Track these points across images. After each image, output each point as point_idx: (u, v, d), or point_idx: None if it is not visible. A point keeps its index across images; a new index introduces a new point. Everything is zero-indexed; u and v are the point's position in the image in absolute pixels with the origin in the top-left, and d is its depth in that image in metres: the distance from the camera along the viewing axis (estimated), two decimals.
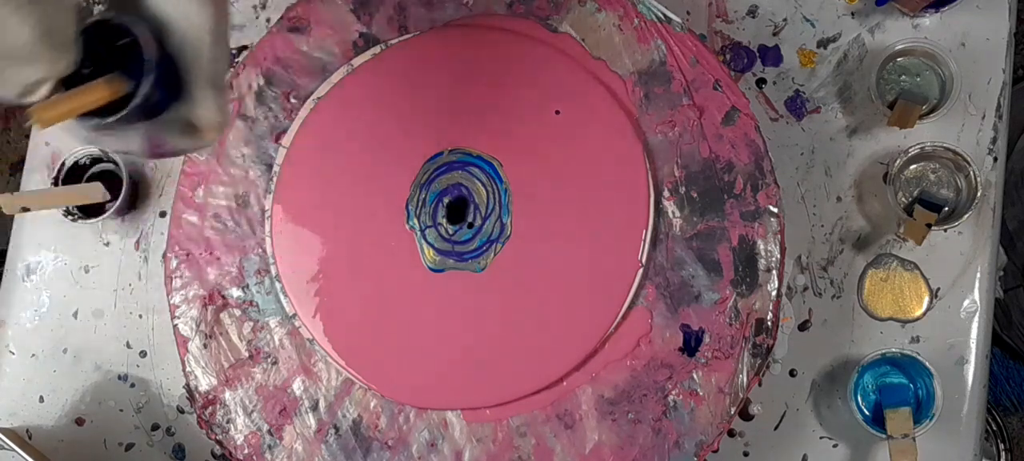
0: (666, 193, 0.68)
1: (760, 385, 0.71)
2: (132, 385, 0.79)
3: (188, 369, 0.71)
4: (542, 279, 0.67)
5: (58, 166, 0.79)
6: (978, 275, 0.71)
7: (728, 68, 0.75)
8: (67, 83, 0.45)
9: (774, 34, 0.76)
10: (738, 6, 0.76)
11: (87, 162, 0.80)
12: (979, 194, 0.69)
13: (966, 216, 0.69)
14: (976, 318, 0.71)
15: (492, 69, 0.71)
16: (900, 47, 0.71)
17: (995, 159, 0.72)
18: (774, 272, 0.66)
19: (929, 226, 0.68)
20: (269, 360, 0.70)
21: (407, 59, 0.73)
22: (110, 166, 0.80)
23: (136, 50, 0.46)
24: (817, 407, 0.71)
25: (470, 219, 0.68)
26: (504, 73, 0.71)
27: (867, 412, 0.69)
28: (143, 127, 0.47)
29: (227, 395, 0.70)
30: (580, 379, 0.66)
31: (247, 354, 0.71)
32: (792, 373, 0.72)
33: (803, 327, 0.72)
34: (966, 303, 0.71)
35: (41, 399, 0.80)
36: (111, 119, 0.46)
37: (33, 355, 0.80)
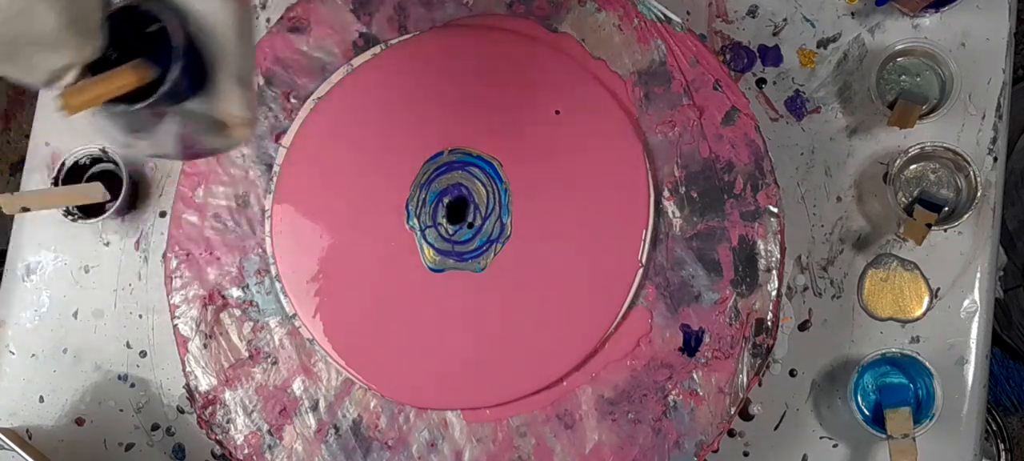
0: (666, 193, 0.68)
1: (760, 385, 0.71)
2: (132, 385, 0.79)
3: (188, 369, 0.71)
4: (542, 279, 0.67)
5: (58, 166, 0.79)
6: (978, 275, 0.71)
7: (728, 68, 0.75)
8: (94, 69, 0.45)
9: (774, 34, 0.76)
10: (738, 6, 0.76)
11: (87, 162, 0.80)
12: (979, 194, 0.69)
13: (966, 216, 0.69)
14: (976, 318, 0.71)
15: (492, 69, 0.71)
16: (900, 47, 0.71)
17: (995, 159, 0.72)
18: (774, 272, 0.66)
19: (929, 226, 0.68)
20: (269, 360, 0.70)
21: (407, 59, 0.73)
22: (110, 166, 0.80)
23: (163, 37, 0.46)
24: (817, 407, 0.71)
25: (470, 219, 0.68)
26: (504, 73, 0.71)
27: (867, 412, 0.69)
28: (174, 127, 0.47)
29: (227, 395, 0.70)
30: (580, 379, 0.66)
31: (247, 354, 0.71)
32: (792, 373, 0.72)
33: (803, 327, 0.72)
34: (966, 303, 0.71)
35: (41, 399, 0.80)
36: (139, 106, 0.46)
37: (33, 355, 0.80)
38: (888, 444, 0.66)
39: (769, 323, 0.66)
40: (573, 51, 0.71)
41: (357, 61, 0.73)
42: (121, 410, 0.78)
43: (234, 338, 0.71)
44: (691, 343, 0.66)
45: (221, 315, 0.72)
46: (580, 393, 0.66)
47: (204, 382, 0.71)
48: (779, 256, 0.67)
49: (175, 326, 0.72)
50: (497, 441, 0.67)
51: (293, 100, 0.73)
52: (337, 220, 0.70)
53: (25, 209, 0.77)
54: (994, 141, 0.73)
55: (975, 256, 0.71)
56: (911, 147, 0.70)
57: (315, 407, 0.69)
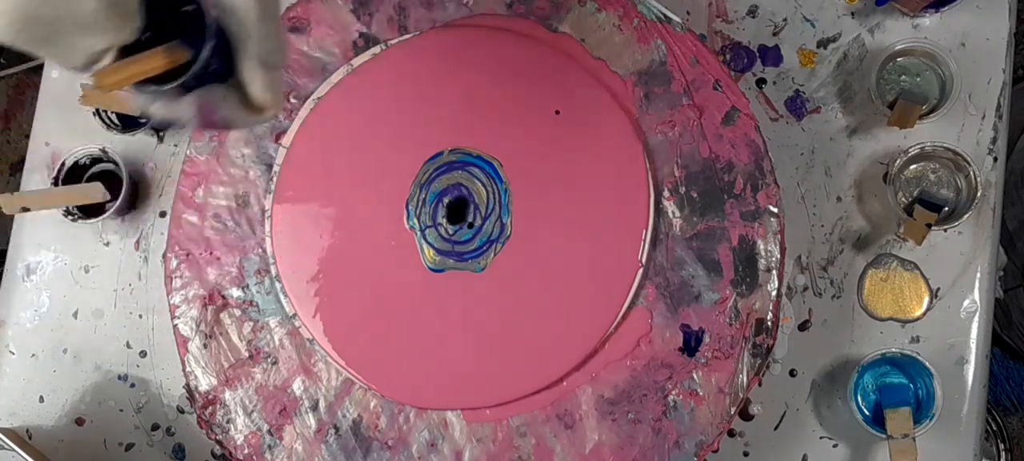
0: (666, 193, 0.68)
1: (760, 385, 0.71)
2: (132, 385, 0.79)
3: (188, 369, 0.71)
4: (542, 279, 0.67)
5: (58, 166, 0.79)
6: (978, 275, 0.71)
7: (728, 68, 0.75)
8: (127, 50, 0.45)
9: (774, 34, 0.76)
10: (738, 6, 0.76)
11: (87, 162, 0.80)
12: (979, 194, 0.69)
13: (966, 216, 0.69)
14: (976, 318, 0.71)
15: (492, 69, 0.71)
16: (900, 47, 0.71)
17: (995, 159, 0.72)
18: (774, 272, 0.66)
19: (929, 226, 0.68)
20: (269, 360, 0.70)
21: (407, 59, 0.73)
22: (110, 166, 0.80)
23: (197, 19, 0.46)
24: (817, 407, 0.71)
25: (470, 219, 0.68)
26: (504, 73, 0.71)
27: (867, 412, 0.69)
28: (195, 95, 0.47)
29: (227, 395, 0.70)
30: (580, 379, 0.66)
31: (247, 354, 0.71)
32: (792, 373, 0.72)
33: (803, 327, 0.72)
34: (966, 303, 0.71)
35: (41, 399, 0.80)
36: (169, 86, 0.46)
37: (33, 355, 0.80)
38: (888, 444, 0.66)
39: (769, 323, 0.66)
40: (573, 51, 0.71)
41: (357, 61, 0.73)
42: (121, 410, 0.78)
43: (234, 338, 0.71)
44: (691, 343, 0.66)
45: (221, 315, 0.72)
46: (580, 393, 0.66)
47: (204, 382, 0.71)
48: (779, 256, 0.67)
49: (175, 326, 0.72)
50: (497, 441, 0.67)
51: (293, 100, 0.73)
52: (337, 220, 0.70)
53: (25, 209, 0.77)
54: (994, 141, 0.73)
55: (975, 256, 0.71)
56: (911, 147, 0.70)
57: (315, 407, 0.69)
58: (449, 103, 0.71)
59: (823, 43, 0.75)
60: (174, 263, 0.73)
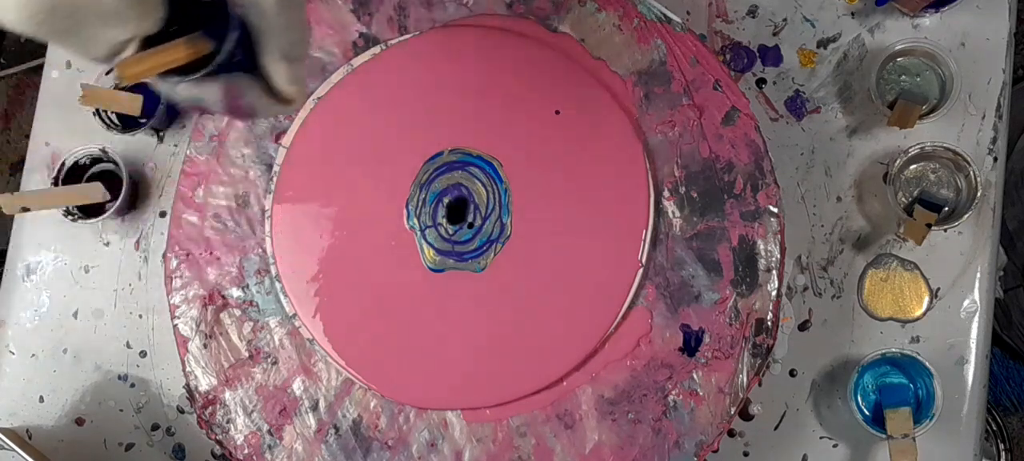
0: (666, 193, 0.68)
1: (760, 385, 0.71)
2: (132, 385, 0.79)
3: (188, 369, 0.71)
4: (542, 279, 0.67)
5: (58, 166, 0.79)
6: (978, 275, 0.71)
7: (728, 68, 0.75)
8: (150, 41, 0.45)
9: (774, 34, 0.76)
10: (738, 6, 0.76)
11: (87, 162, 0.80)
12: (979, 194, 0.69)
13: (966, 216, 0.69)
14: (976, 318, 0.71)
15: (492, 69, 0.71)
16: (900, 47, 0.71)
17: (995, 159, 0.72)
18: (774, 272, 0.66)
19: (929, 226, 0.68)
20: (269, 360, 0.70)
21: (407, 59, 0.73)
22: (110, 166, 0.80)
23: (220, 10, 0.46)
24: (817, 407, 0.71)
25: (470, 219, 0.68)
26: (504, 73, 0.71)
27: (867, 412, 0.69)
28: (221, 80, 0.47)
29: (227, 395, 0.70)
30: (580, 379, 0.66)
31: (247, 354, 0.71)
32: (792, 373, 0.72)
33: (803, 327, 0.72)
34: (966, 303, 0.71)
35: (41, 399, 0.80)
36: (193, 77, 0.46)
37: (33, 355, 0.80)
38: (888, 444, 0.66)
39: (769, 323, 0.66)
40: (573, 51, 0.71)
41: (357, 61, 0.73)
42: (121, 410, 0.78)
43: (234, 338, 0.71)
44: (691, 343, 0.66)
45: (221, 315, 0.72)
46: (580, 393, 0.66)
47: (204, 382, 0.71)
48: (779, 256, 0.67)
49: (175, 326, 0.72)
50: (497, 441, 0.67)
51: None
52: (337, 220, 0.70)
53: (25, 209, 0.77)
54: (994, 141, 0.73)
55: (975, 256, 0.71)
56: (911, 147, 0.70)
57: (315, 407, 0.69)
58: (449, 103, 0.71)
59: (823, 43, 0.75)
60: (174, 263, 0.73)
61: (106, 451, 0.78)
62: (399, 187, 0.70)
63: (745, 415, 0.72)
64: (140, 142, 0.81)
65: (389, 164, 0.70)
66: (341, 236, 0.70)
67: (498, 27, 0.72)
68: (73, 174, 0.79)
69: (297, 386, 0.70)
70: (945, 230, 0.71)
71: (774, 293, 0.66)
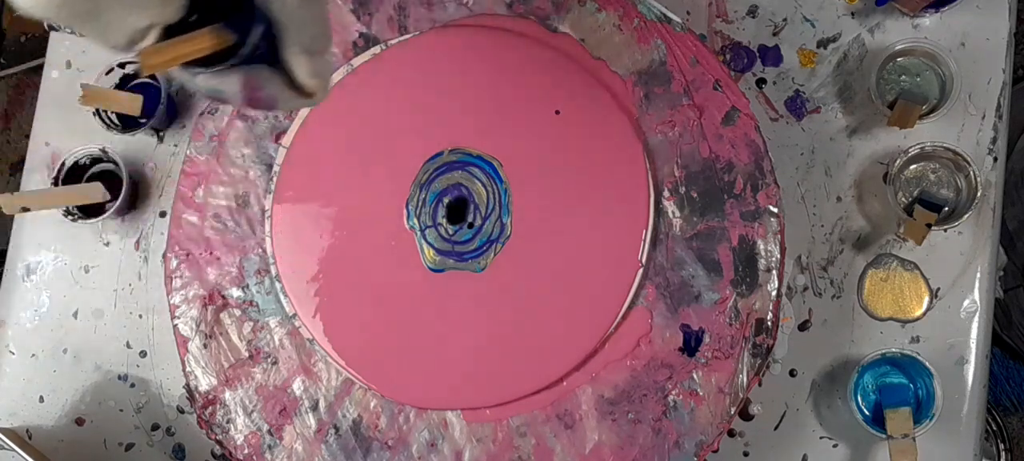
0: (666, 193, 0.68)
1: (760, 385, 0.71)
2: (132, 385, 0.79)
3: (188, 369, 0.71)
4: (542, 279, 0.67)
5: (58, 166, 0.79)
6: (978, 275, 0.71)
7: (728, 68, 0.75)
8: (171, 29, 0.45)
9: (774, 34, 0.76)
10: (738, 6, 0.76)
11: (87, 162, 0.80)
12: (979, 194, 0.69)
13: (966, 216, 0.69)
14: (976, 318, 0.71)
15: (492, 69, 0.71)
16: (900, 47, 0.71)
17: (995, 159, 0.72)
18: (774, 272, 0.66)
19: (929, 226, 0.68)
20: (269, 360, 0.70)
21: (407, 59, 0.73)
22: (110, 166, 0.80)
23: (243, 1, 0.45)
24: (817, 407, 0.71)
25: (470, 219, 0.68)
26: (504, 73, 0.71)
27: (867, 412, 0.69)
28: (241, 71, 0.46)
29: (227, 395, 0.70)
30: (580, 379, 0.66)
31: (247, 354, 0.71)
32: (792, 373, 0.72)
33: (803, 327, 0.72)
34: (966, 303, 0.71)
35: (41, 399, 0.80)
36: (215, 69, 0.46)
37: (33, 355, 0.80)
38: (888, 444, 0.66)
39: (769, 323, 0.66)
40: (573, 51, 0.71)
41: (357, 61, 0.73)
42: (121, 410, 0.78)
43: (234, 338, 0.71)
44: (691, 343, 0.66)
45: (221, 315, 0.72)
46: (580, 393, 0.66)
47: (204, 382, 0.71)
48: (779, 256, 0.67)
49: (175, 326, 0.72)
50: (497, 441, 0.67)
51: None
52: (337, 220, 0.70)
53: (25, 209, 0.77)
54: (994, 141, 0.73)
55: (975, 256, 0.71)
56: (911, 147, 0.70)
57: (315, 407, 0.69)
58: (449, 103, 0.71)
59: (823, 43, 0.75)
60: (174, 263, 0.73)
61: (106, 451, 0.78)
62: (399, 187, 0.70)
63: (745, 415, 0.72)
64: (140, 142, 0.81)
65: (389, 164, 0.70)
66: (341, 236, 0.70)
67: (498, 27, 0.72)
68: (73, 174, 0.79)
69: (297, 386, 0.70)
70: (945, 230, 0.71)
71: (774, 293, 0.66)
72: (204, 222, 0.73)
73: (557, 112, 0.69)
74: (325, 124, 0.72)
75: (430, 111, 0.71)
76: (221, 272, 0.72)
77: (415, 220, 0.69)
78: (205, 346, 0.71)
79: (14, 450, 0.75)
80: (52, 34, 0.85)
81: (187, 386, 0.72)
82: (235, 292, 0.72)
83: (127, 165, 0.78)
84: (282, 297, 0.71)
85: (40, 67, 0.87)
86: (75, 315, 0.80)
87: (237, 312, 0.71)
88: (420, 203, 0.69)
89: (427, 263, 0.68)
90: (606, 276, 0.67)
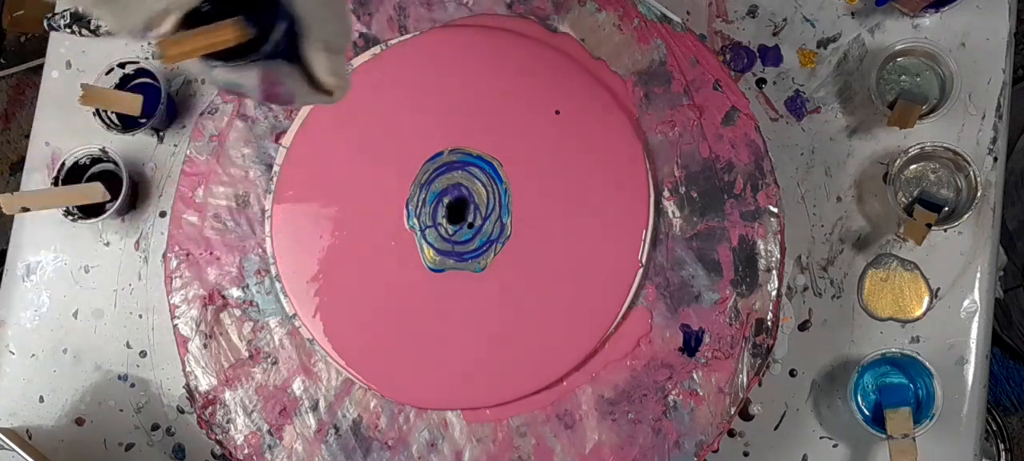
0: (666, 193, 0.68)
1: (760, 385, 0.71)
2: (132, 385, 0.79)
3: (188, 369, 0.71)
4: (542, 279, 0.67)
5: (58, 166, 0.79)
6: (978, 275, 0.71)
7: (728, 68, 0.75)
8: (189, 18, 0.44)
9: (774, 34, 0.76)
10: (738, 6, 0.76)
11: (87, 162, 0.80)
12: (979, 194, 0.69)
13: (966, 216, 0.69)
14: (976, 318, 0.71)
15: (492, 69, 0.71)
16: (900, 47, 0.71)
17: (995, 159, 0.72)
18: (774, 272, 0.66)
19: (929, 226, 0.68)
20: (269, 360, 0.70)
21: (407, 59, 0.73)
22: (110, 166, 0.80)
23: None
24: (817, 407, 0.71)
25: (470, 219, 0.68)
26: (504, 73, 0.71)
27: (867, 412, 0.69)
28: (260, 66, 0.46)
29: (227, 395, 0.70)
30: (580, 379, 0.66)
31: (247, 354, 0.71)
32: (792, 373, 0.72)
33: (803, 327, 0.72)
34: (966, 303, 0.71)
35: (41, 399, 0.80)
36: (236, 63, 0.45)
37: (33, 355, 0.80)
38: (888, 444, 0.66)
39: (769, 323, 0.66)
40: (573, 51, 0.71)
41: (357, 61, 0.73)
42: (121, 410, 0.78)
43: (234, 338, 0.71)
44: (691, 343, 0.66)
45: (221, 315, 0.72)
46: (580, 393, 0.66)
47: (204, 382, 0.71)
48: (779, 256, 0.67)
49: (175, 326, 0.72)
50: (497, 441, 0.67)
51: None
52: (337, 220, 0.70)
53: (25, 209, 0.77)
54: (994, 141, 0.73)
55: (975, 256, 0.71)
56: (911, 147, 0.70)
57: (315, 407, 0.69)
58: (449, 103, 0.71)
59: (823, 43, 0.75)
60: (174, 263, 0.73)
61: (106, 451, 0.78)
62: (399, 187, 0.70)
63: (745, 415, 0.72)
64: (140, 142, 0.81)
65: (389, 164, 0.70)
66: (341, 236, 0.70)
67: (498, 27, 0.72)
68: (73, 174, 0.79)
69: (297, 386, 0.70)
70: (945, 230, 0.71)
71: (774, 293, 0.66)
72: (204, 222, 0.73)
73: (557, 112, 0.69)
74: (325, 124, 0.72)
75: (430, 111, 0.71)
76: (221, 272, 0.72)
77: (415, 220, 0.69)
78: (205, 346, 0.71)
79: (14, 450, 0.75)
80: (52, 34, 0.85)
81: (187, 386, 0.72)
82: (235, 292, 0.72)
83: (127, 165, 0.78)
84: (282, 297, 0.71)
85: (40, 67, 0.87)
86: (75, 315, 0.80)
87: (237, 312, 0.71)
88: (420, 203, 0.69)
89: (427, 263, 0.68)
90: (606, 276, 0.67)
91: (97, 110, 0.79)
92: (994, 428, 1.31)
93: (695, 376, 0.66)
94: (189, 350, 0.71)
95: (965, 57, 0.73)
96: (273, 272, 0.71)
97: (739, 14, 0.76)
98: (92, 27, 0.82)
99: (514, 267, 0.67)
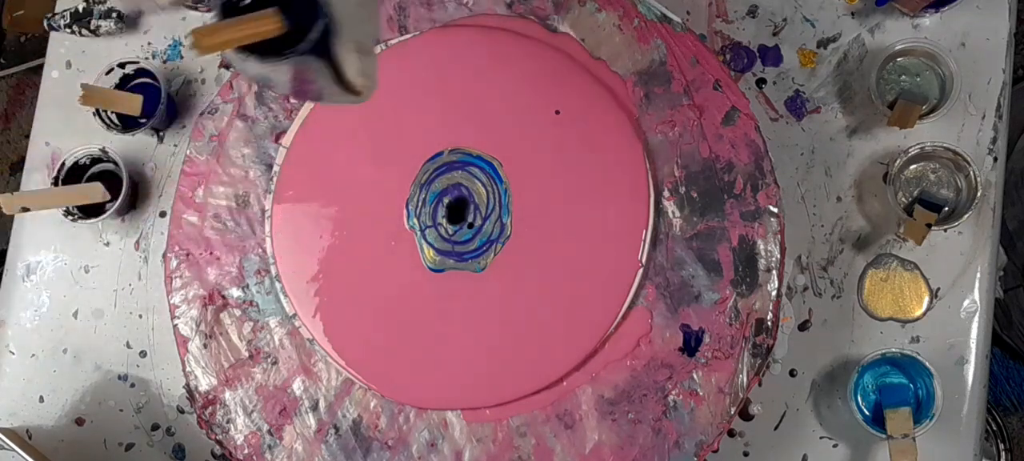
0: (666, 193, 0.68)
1: (760, 385, 0.71)
2: (132, 385, 0.79)
3: (188, 369, 0.71)
4: (542, 279, 0.67)
5: (58, 166, 0.79)
6: (978, 275, 0.71)
7: (728, 68, 0.75)
8: (227, 11, 0.45)
9: (774, 34, 0.76)
10: (738, 6, 0.76)
11: (87, 162, 0.80)
12: (979, 194, 0.69)
13: (966, 216, 0.69)
14: (976, 318, 0.71)
15: (492, 69, 0.71)
16: (900, 47, 0.71)
17: (995, 159, 0.72)
18: (774, 272, 0.66)
19: (929, 226, 0.68)
20: (269, 360, 0.70)
21: (407, 59, 0.73)
22: (110, 166, 0.80)
23: None
24: (817, 407, 0.71)
25: (470, 219, 0.68)
26: (504, 73, 0.71)
27: (867, 412, 0.69)
28: (292, 61, 0.47)
29: (227, 395, 0.70)
30: (580, 379, 0.66)
31: (247, 354, 0.71)
32: (792, 373, 0.72)
33: (803, 327, 0.72)
34: (966, 303, 0.71)
35: (41, 399, 0.80)
36: (271, 59, 0.46)
37: (33, 355, 0.80)
38: (888, 444, 0.66)
39: (769, 323, 0.66)
40: (573, 51, 0.71)
41: None
42: (121, 410, 0.78)
43: (234, 338, 0.71)
44: (691, 343, 0.66)
45: (221, 315, 0.72)
46: (580, 393, 0.66)
47: (204, 382, 0.71)
48: (779, 256, 0.67)
49: (175, 326, 0.72)
50: (497, 441, 0.67)
51: (293, 100, 0.74)
52: (337, 220, 0.70)
53: (25, 209, 0.77)
54: (994, 141, 0.73)
55: (975, 256, 0.71)
56: (911, 147, 0.70)
57: (315, 407, 0.69)
58: (449, 103, 0.71)
59: (823, 43, 0.75)
60: (174, 263, 0.73)
61: (106, 451, 0.78)
62: (399, 187, 0.70)
63: (745, 415, 0.72)
64: (140, 142, 0.81)
65: (389, 164, 0.70)
66: (341, 236, 0.70)
67: (498, 27, 0.72)
68: (73, 174, 0.79)
69: (297, 386, 0.70)
70: (945, 230, 0.71)
71: (774, 293, 0.66)
72: (204, 222, 0.73)
73: (557, 112, 0.69)
74: (325, 124, 0.72)
75: (430, 111, 0.71)
76: (221, 272, 0.72)
77: (415, 220, 0.69)
78: (205, 346, 0.71)
79: (14, 450, 0.75)
80: (52, 34, 0.85)
81: (187, 386, 0.72)
82: (235, 292, 0.72)
83: (127, 165, 0.78)
84: (282, 297, 0.71)
85: (40, 67, 0.87)
86: (75, 315, 0.80)
87: (237, 312, 0.71)
88: (420, 203, 0.69)
89: (427, 263, 0.68)
90: (606, 276, 0.67)
91: (97, 110, 0.79)
92: (994, 428, 1.31)
93: (695, 376, 0.66)
94: (189, 350, 0.71)
95: (965, 57, 0.73)
96: (273, 272, 0.71)
97: (739, 14, 0.76)
98: (92, 27, 0.82)
99: (514, 267, 0.67)
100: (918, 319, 0.71)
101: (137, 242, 0.80)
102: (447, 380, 0.68)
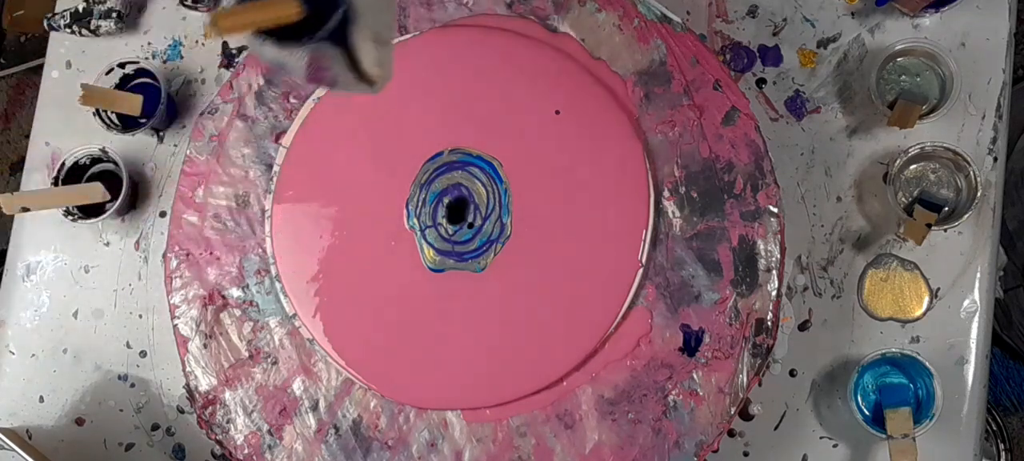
0: (666, 193, 0.68)
1: (760, 385, 0.71)
2: (132, 385, 0.79)
3: (188, 369, 0.71)
4: (542, 279, 0.67)
5: (58, 166, 0.79)
6: (978, 275, 0.71)
7: (728, 68, 0.75)
8: None
9: (774, 34, 0.76)
10: (738, 6, 0.76)
11: (87, 162, 0.80)
12: (979, 194, 0.69)
13: (966, 216, 0.69)
14: (976, 318, 0.71)
15: (492, 69, 0.71)
16: (900, 47, 0.71)
17: (995, 159, 0.72)
18: (774, 272, 0.66)
19: (929, 226, 0.68)
20: (269, 360, 0.70)
21: (407, 59, 0.73)
22: (110, 166, 0.80)
23: None
24: (817, 407, 0.71)
25: (470, 219, 0.68)
26: (504, 73, 0.71)
27: (867, 412, 0.69)
28: (308, 48, 0.47)
29: (227, 395, 0.70)
30: (580, 379, 0.66)
31: (247, 354, 0.71)
32: (792, 373, 0.72)
33: (803, 327, 0.72)
34: (966, 303, 0.71)
35: (41, 399, 0.80)
36: (289, 44, 0.46)
37: (33, 355, 0.80)
38: (888, 444, 0.66)
39: (769, 323, 0.66)
40: (573, 51, 0.71)
41: None
42: (121, 410, 0.78)
43: (234, 338, 0.71)
44: (691, 343, 0.66)
45: (221, 315, 0.72)
46: (580, 393, 0.66)
47: (204, 382, 0.71)
48: (779, 256, 0.67)
49: (175, 326, 0.72)
50: (497, 441, 0.67)
51: (293, 100, 0.74)
52: (337, 220, 0.70)
53: (25, 209, 0.77)
54: (994, 141, 0.73)
55: (975, 256, 0.71)
56: (911, 147, 0.70)
57: (315, 407, 0.69)
58: (449, 103, 0.71)
59: (823, 43, 0.75)
60: (174, 263, 0.73)
61: (106, 451, 0.78)
62: (399, 187, 0.70)
63: (745, 415, 0.72)
64: (140, 142, 0.81)
65: (389, 164, 0.70)
66: (341, 236, 0.70)
67: (498, 27, 0.72)
68: (73, 174, 0.79)
69: (297, 386, 0.70)
70: (945, 230, 0.71)
71: (774, 293, 0.66)
72: (204, 222, 0.73)
73: (557, 112, 0.69)
74: (325, 124, 0.72)
75: (430, 111, 0.71)
76: (221, 272, 0.72)
77: (415, 220, 0.69)
78: (205, 346, 0.71)
79: (14, 450, 0.75)
80: (52, 34, 0.85)
81: (187, 386, 0.72)
82: (235, 292, 0.72)
83: (127, 165, 0.78)
84: (282, 297, 0.71)
85: (40, 67, 0.87)
86: (75, 315, 0.80)
87: (237, 312, 0.71)
88: (420, 203, 0.69)
89: (427, 263, 0.68)
90: (606, 276, 0.67)
91: (97, 110, 0.79)
92: (994, 428, 1.31)
93: (695, 376, 0.66)
94: (189, 350, 0.71)
95: (965, 57, 0.73)
96: (273, 272, 0.71)
97: (739, 14, 0.76)
98: (92, 27, 0.82)
99: (514, 267, 0.67)
100: (918, 319, 0.71)
101: (137, 242, 0.80)
102: (447, 380, 0.68)
